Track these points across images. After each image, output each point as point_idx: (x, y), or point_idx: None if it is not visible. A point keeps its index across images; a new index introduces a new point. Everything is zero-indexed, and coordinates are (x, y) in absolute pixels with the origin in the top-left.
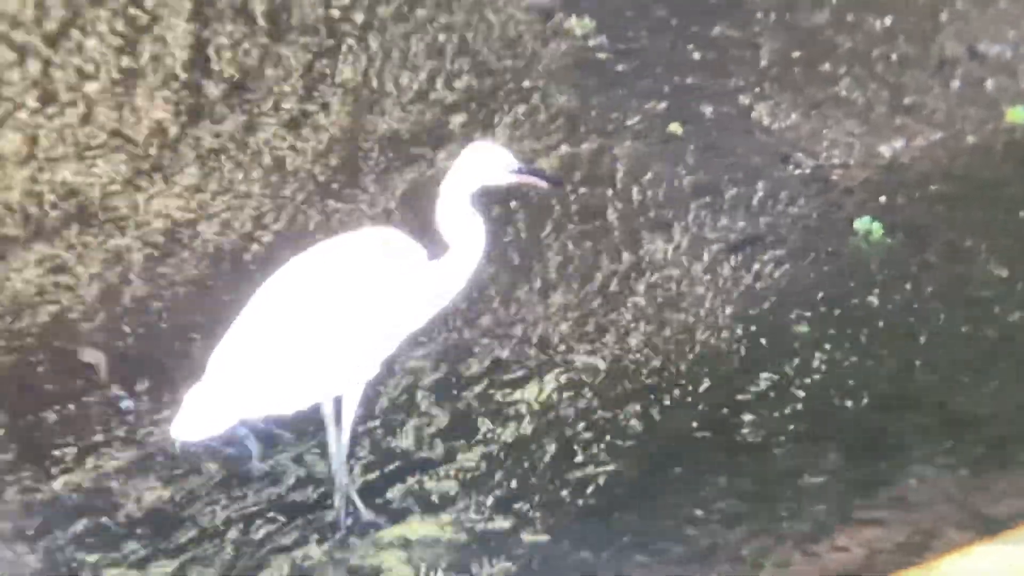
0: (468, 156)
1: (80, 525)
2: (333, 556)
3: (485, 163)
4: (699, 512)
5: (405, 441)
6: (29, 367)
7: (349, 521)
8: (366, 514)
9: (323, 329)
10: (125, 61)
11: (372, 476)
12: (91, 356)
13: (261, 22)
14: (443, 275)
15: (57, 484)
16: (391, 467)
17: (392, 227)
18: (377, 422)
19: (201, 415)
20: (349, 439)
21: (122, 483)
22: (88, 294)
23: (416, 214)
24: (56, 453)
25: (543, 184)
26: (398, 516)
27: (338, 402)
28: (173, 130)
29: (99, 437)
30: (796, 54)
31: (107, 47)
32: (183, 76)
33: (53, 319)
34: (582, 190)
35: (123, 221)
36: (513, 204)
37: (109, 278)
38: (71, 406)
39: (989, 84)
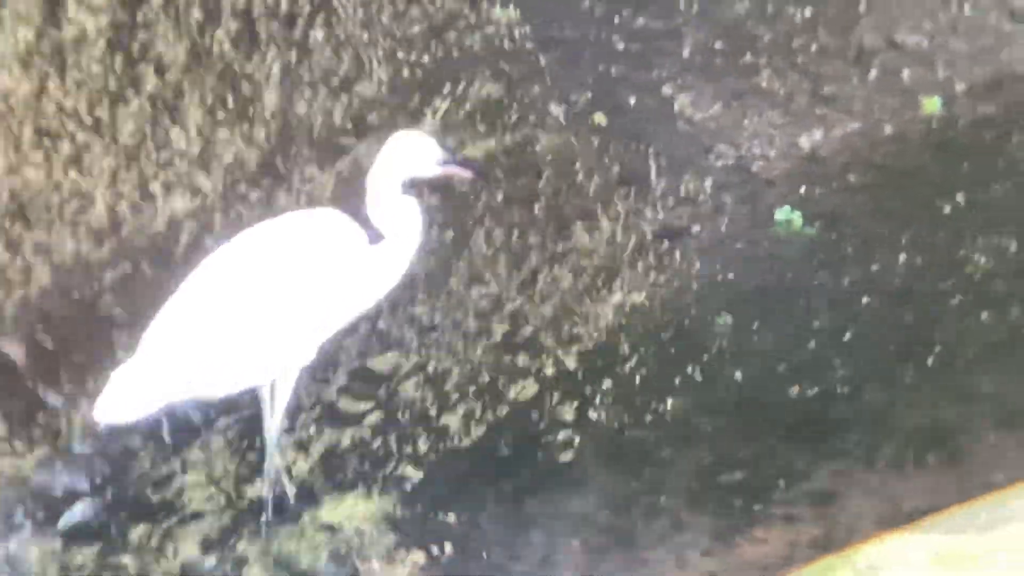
0: (393, 147)
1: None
2: (259, 541)
3: (411, 154)
4: (620, 503)
5: (332, 429)
6: None
7: (275, 506)
8: (293, 500)
9: (260, 311)
10: (46, 49)
11: (299, 462)
12: (9, 346)
13: (184, 11)
14: (382, 261)
15: None
16: (317, 453)
17: (333, 209)
18: (306, 408)
19: (127, 396)
20: (281, 425)
21: (42, 476)
22: (7, 284)
23: (345, 205)
24: None
25: (469, 175)
26: (324, 501)
27: (272, 387)
28: (94, 119)
29: (19, 429)
30: (718, 45)
31: (25, 33)
32: (105, 65)
33: None
34: (507, 181)
35: (45, 211)
36: (438, 195)
37: (27, 265)
38: None
39: (906, 74)
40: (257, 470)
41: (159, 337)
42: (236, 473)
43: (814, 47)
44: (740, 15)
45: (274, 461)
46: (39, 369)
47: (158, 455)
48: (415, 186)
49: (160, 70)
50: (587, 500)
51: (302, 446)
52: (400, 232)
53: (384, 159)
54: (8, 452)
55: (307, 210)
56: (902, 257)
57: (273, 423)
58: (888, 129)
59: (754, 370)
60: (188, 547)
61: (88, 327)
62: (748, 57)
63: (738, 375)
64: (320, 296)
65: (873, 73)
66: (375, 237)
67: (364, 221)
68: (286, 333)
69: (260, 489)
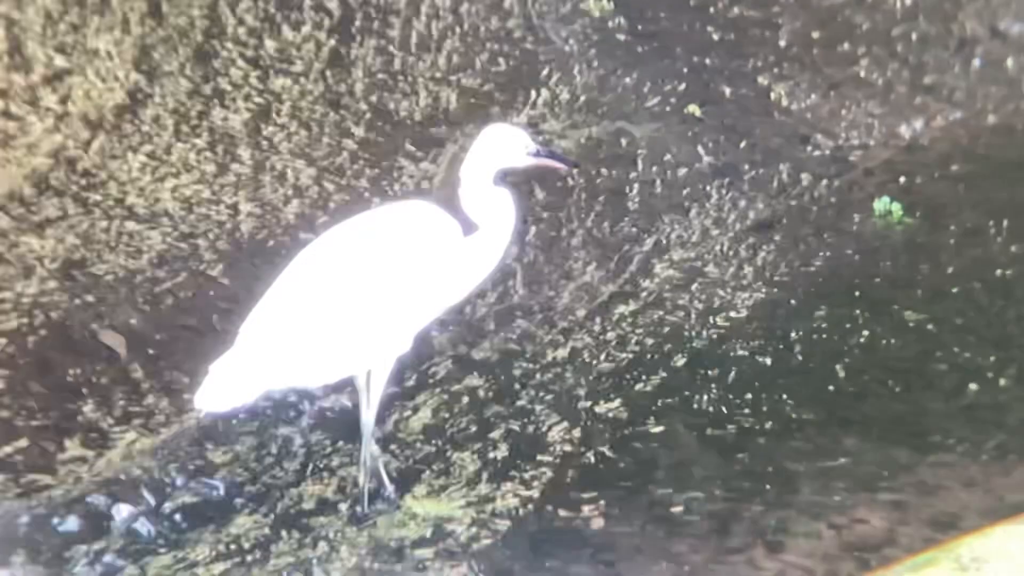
0: (486, 139)
1: (105, 504)
2: (356, 530)
3: (503, 146)
4: (722, 488)
5: (427, 417)
6: (49, 350)
7: (372, 496)
8: (390, 489)
9: (355, 302)
10: (146, 39)
11: (396, 451)
12: (111, 338)
13: (280, 3)
14: (476, 251)
15: (81, 466)
16: (414, 443)
17: (426, 201)
18: (402, 399)
19: (228, 386)
20: (376, 414)
21: (142, 464)
22: (108, 276)
23: (439, 197)
24: (79, 435)
25: (560, 167)
26: (421, 491)
27: (368, 377)
28: (194, 112)
29: (120, 418)
30: (816, 34)
31: (129, 23)
32: (203, 58)
33: (73, 302)
34: (601, 171)
35: (146, 202)
36: (533, 186)
37: (130, 260)
38: (91, 389)
39: (1010, 63)
40: (353, 458)
41: (258, 328)
42: (332, 460)
43: (914, 36)
44: (838, 3)
45: (370, 449)
46: (141, 360)
47: (255, 442)
48: (508, 177)
49: (254, 62)
50: (686, 487)
51: (399, 433)
52: (493, 222)
53: (477, 151)
54: (110, 441)
55: (401, 201)
56: (1005, 249)
57: (370, 412)
58: (991, 119)
59: (854, 363)
60: (286, 533)
61: (188, 319)
62: (846, 46)
63: (838, 368)
64: (415, 286)
65: (976, 62)
66: (469, 228)
67: (458, 212)
68: (381, 323)
69: (357, 477)
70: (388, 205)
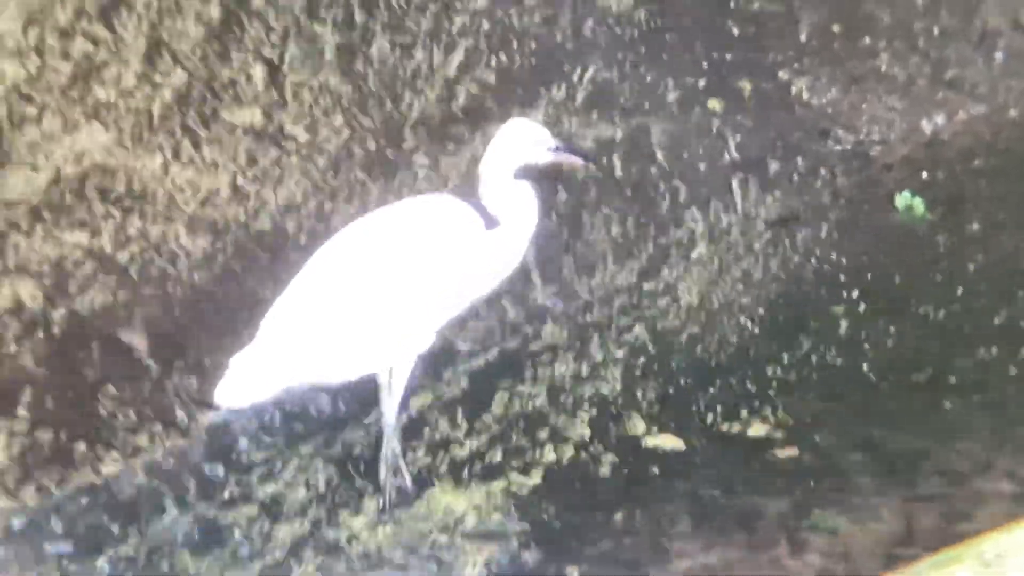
0: (505, 134)
1: (120, 501)
2: (377, 526)
3: (523, 141)
4: (738, 484)
5: (450, 414)
6: (69, 350)
7: (394, 492)
8: (411, 485)
9: (377, 297)
10: (155, 39)
11: (416, 448)
12: (131, 336)
13: None
14: (499, 245)
15: (103, 466)
16: (435, 440)
17: (448, 195)
18: (424, 396)
19: (247, 380)
20: (399, 411)
21: (163, 462)
22: (128, 275)
23: (462, 191)
24: (99, 436)
25: (580, 163)
26: (441, 486)
27: (391, 373)
28: (209, 110)
29: (140, 418)
30: (836, 28)
31: (137, 24)
32: (216, 55)
33: (94, 302)
34: (622, 167)
35: (164, 200)
36: (554, 182)
37: (149, 259)
38: (112, 388)
39: None
40: (375, 455)
41: (278, 323)
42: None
43: (936, 29)
44: None
45: (391, 445)
46: (160, 357)
47: (275, 438)
48: (528, 173)
49: (270, 60)
50: (707, 482)
51: (420, 431)
52: (516, 217)
53: (497, 146)
54: (131, 439)
55: (423, 196)
56: None
57: (391, 409)
58: (1013, 112)
59: (875, 358)
60: (308, 530)
61: (208, 314)
62: (867, 40)
63: (859, 363)
64: (437, 281)
65: (998, 56)
66: (491, 223)
67: (481, 207)
68: (403, 319)
69: (379, 474)
70: (409, 199)
